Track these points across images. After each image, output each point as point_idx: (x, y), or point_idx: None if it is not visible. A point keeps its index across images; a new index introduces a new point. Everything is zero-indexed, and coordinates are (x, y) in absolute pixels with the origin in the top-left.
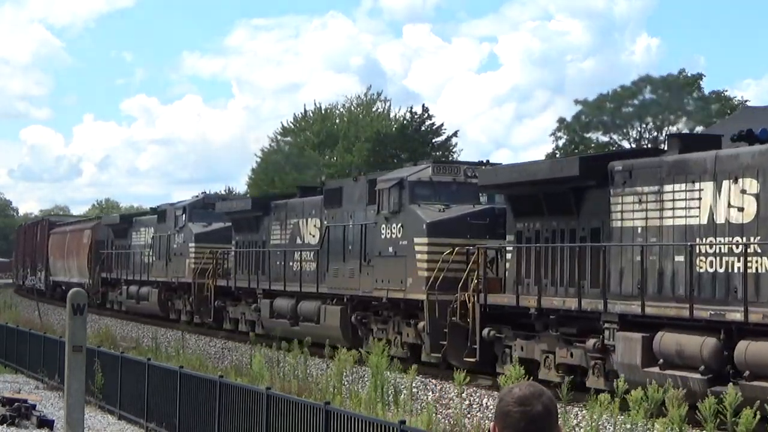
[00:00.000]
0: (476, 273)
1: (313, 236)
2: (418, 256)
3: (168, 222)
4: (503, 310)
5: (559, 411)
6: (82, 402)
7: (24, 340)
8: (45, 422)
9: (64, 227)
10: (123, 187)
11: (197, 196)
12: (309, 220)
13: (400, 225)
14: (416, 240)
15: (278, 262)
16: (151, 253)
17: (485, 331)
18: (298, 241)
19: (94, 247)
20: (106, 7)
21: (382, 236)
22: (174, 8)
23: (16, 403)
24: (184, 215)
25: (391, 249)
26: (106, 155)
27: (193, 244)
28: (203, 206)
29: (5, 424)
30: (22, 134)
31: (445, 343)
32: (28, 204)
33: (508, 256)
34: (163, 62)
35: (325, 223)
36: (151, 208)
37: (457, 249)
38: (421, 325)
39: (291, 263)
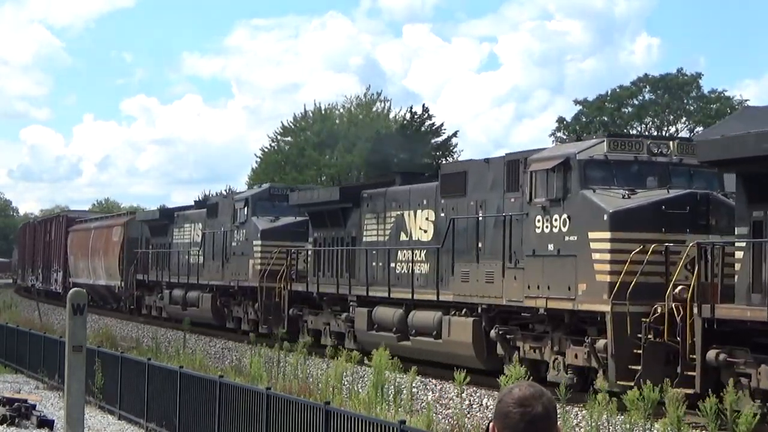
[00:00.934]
0: (693, 276)
1: (425, 231)
2: (597, 255)
3: (221, 216)
4: (735, 326)
5: (558, 412)
6: (82, 402)
7: (24, 340)
8: (45, 422)
9: (86, 224)
10: (123, 187)
11: (259, 186)
12: (418, 211)
13: (565, 216)
14: (593, 235)
15: (377, 263)
16: (200, 253)
17: (711, 354)
18: (403, 237)
19: (126, 245)
20: (106, 7)
21: (537, 231)
22: (174, 8)
23: (16, 403)
24: (246, 209)
25: (551, 246)
26: (106, 155)
27: (258, 242)
28: (269, 198)
29: (5, 424)
30: (21, 134)
31: (638, 368)
32: (28, 204)
33: (738, 254)
34: (163, 62)
35: (442, 215)
36: (195, 201)
37: (653, 247)
38: (600, 344)
39: (394, 264)
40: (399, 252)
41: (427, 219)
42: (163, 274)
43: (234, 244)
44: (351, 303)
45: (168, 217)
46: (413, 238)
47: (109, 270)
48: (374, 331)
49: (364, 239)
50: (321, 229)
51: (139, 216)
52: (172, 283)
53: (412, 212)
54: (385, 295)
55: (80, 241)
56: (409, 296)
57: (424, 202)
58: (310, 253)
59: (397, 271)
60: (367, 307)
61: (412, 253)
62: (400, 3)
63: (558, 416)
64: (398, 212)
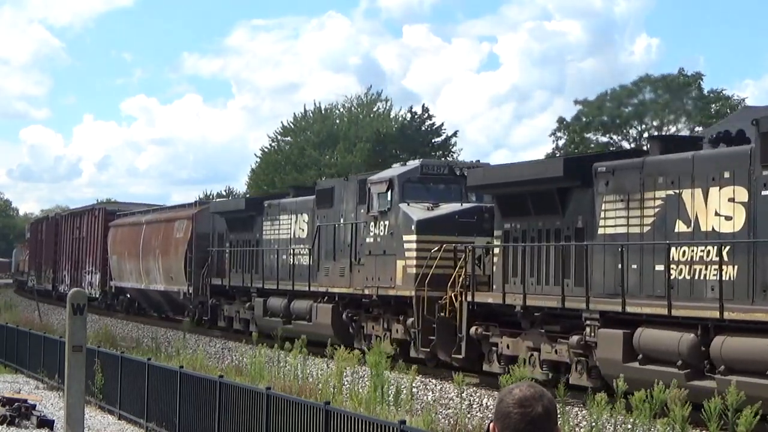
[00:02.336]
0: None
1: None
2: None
3: (340, 204)
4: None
5: (558, 412)
6: (82, 402)
7: (24, 340)
8: (45, 422)
9: (134, 217)
10: (122, 187)
11: (403, 163)
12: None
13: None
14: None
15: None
16: (312, 251)
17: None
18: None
19: (194, 242)
20: (106, 7)
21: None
22: (174, 8)
23: (16, 403)
24: (390, 193)
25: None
26: (106, 155)
27: (412, 237)
28: (421, 178)
29: (5, 424)
30: (21, 134)
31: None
32: (28, 204)
33: (496, 252)
34: (163, 62)
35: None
36: (292, 187)
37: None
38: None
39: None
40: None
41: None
42: (252, 278)
43: (369, 240)
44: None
45: (255, 208)
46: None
47: (169, 272)
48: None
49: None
50: (513, 217)
51: (213, 207)
52: (267, 290)
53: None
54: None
55: (126, 238)
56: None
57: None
58: (496, 251)
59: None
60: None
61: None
62: (399, 3)
63: (558, 416)
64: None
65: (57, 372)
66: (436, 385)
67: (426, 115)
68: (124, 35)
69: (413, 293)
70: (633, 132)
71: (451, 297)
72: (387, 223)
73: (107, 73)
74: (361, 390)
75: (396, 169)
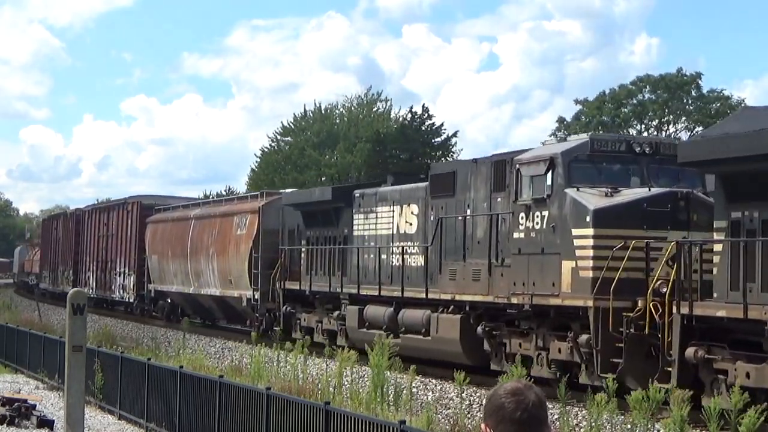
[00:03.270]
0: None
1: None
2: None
3: (467, 192)
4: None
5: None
6: (82, 402)
7: (24, 340)
8: (45, 422)
9: (178, 211)
10: (122, 187)
11: (562, 137)
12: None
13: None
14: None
15: None
16: (432, 249)
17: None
18: None
19: (261, 240)
20: (106, 7)
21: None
22: (174, 8)
23: (16, 403)
24: (551, 175)
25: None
26: (106, 155)
27: (588, 231)
28: (589, 158)
29: (5, 424)
30: (21, 134)
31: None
32: (28, 204)
33: (718, 248)
34: (163, 62)
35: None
36: (393, 174)
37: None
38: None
39: None
40: None
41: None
42: (342, 283)
43: (518, 235)
44: None
45: (342, 198)
46: None
47: (227, 275)
48: None
49: None
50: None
51: (286, 198)
52: (362, 296)
53: None
54: None
55: (169, 235)
56: None
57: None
58: (718, 248)
59: None
60: None
61: None
62: (398, 3)
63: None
64: None
65: (57, 372)
66: (436, 385)
67: (426, 115)
68: (124, 35)
69: (590, 303)
70: (632, 131)
71: (649, 307)
72: (546, 213)
73: (107, 73)
74: (361, 390)
75: (556, 146)
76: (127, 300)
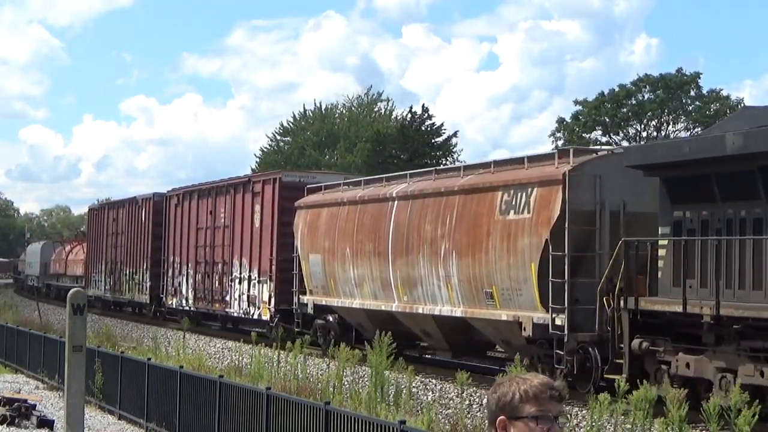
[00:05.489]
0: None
1: None
2: None
3: None
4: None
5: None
6: (82, 402)
7: (24, 340)
8: (45, 422)
9: (362, 189)
10: (121, 187)
11: None
12: None
13: None
14: None
15: None
16: None
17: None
18: None
19: (569, 227)
20: (106, 7)
21: None
22: (174, 8)
23: (16, 403)
24: None
25: None
26: (105, 155)
27: None
28: None
29: (5, 424)
30: (21, 134)
31: None
32: (27, 204)
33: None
34: (163, 62)
35: None
36: None
37: None
38: None
39: None
40: None
41: None
42: None
43: None
44: None
45: None
46: None
47: (481, 285)
48: None
49: None
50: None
51: (636, 157)
52: None
53: None
54: None
55: (343, 224)
56: None
57: None
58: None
59: None
60: None
61: None
62: (396, 3)
63: None
64: None
65: (57, 372)
66: (436, 385)
67: (426, 115)
68: (123, 35)
69: None
70: (632, 131)
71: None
72: None
73: (107, 73)
74: (361, 390)
75: None
76: (256, 317)
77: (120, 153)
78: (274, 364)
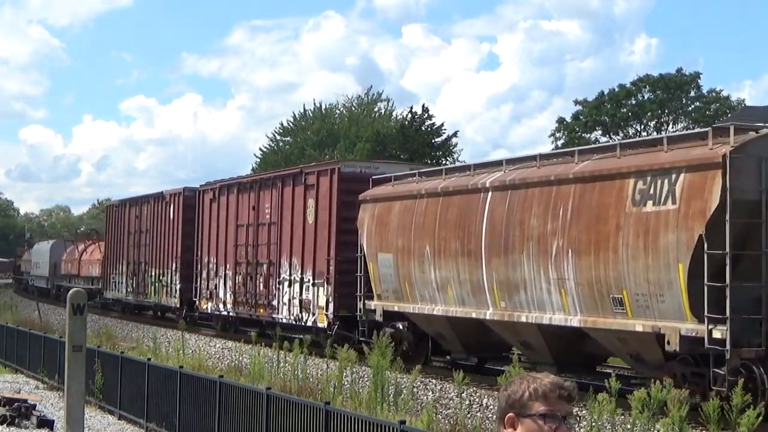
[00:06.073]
0: None
1: None
2: None
3: None
4: None
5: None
6: (82, 402)
7: (24, 340)
8: (45, 422)
9: (445, 179)
10: (121, 187)
11: None
12: None
13: None
14: None
15: None
16: None
17: None
18: None
19: (731, 219)
20: (106, 7)
21: None
22: (174, 8)
23: (16, 403)
24: None
25: None
26: (105, 155)
27: None
28: None
29: (5, 424)
30: (21, 134)
31: None
32: (27, 204)
33: None
34: (163, 62)
35: None
36: None
37: None
38: None
39: None
40: None
41: None
42: None
43: None
44: None
45: None
46: None
47: (608, 289)
48: None
49: None
50: None
51: None
52: None
53: None
54: None
55: (420, 218)
56: None
57: None
58: None
59: None
60: None
61: None
62: (395, 3)
63: None
64: None
65: (57, 372)
66: (436, 385)
67: (426, 115)
68: (123, 35)
69: None
70: (632, 131)
71: None
72: None
73: (106, 73)
74: (361, 390)
75: None
76: (310, 324)
77: (120, 153)
78: (275, 364)
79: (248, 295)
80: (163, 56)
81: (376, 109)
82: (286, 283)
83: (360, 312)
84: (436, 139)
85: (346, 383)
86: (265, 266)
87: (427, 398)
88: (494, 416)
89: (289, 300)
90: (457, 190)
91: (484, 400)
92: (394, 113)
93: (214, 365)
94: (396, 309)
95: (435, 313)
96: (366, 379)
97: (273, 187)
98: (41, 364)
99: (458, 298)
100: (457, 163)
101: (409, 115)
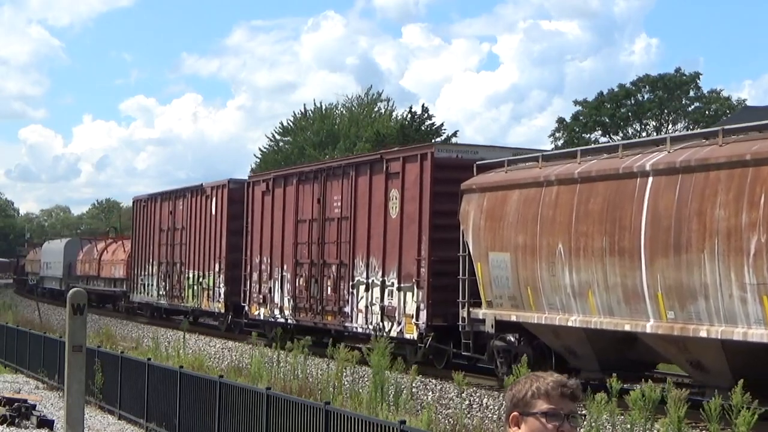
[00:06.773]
0: None
1: None
2: None
3: None
4: None
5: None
6: (82, 402)
7: (24, 340)
8: (45, 422)
9: (580, 163)
10: (120, 187)
11: None
12: None
13: None
14: None
15: None
16: None
17: None
18: None
19: None
20: (106, 7)
21: None
22: (174, 8)
23: (16, 403)
24: None
25: None
26: (104, 155)
27: None
28: None
29: (5, 424)
30: (20, 134)
31: None
32: (27, 204)
33: None
34: (162, 62)
35: None
36: None
37: None
38: None
39: None
40: None
41: None
42: None
43: None
44: None
45: None
46: None
47: None
48: None
49: None
50: None
51: None
52: None
53: None
54: None
55: (548, 211)
56: None
57: None
58: None
59: None
60: None
61: None
62: (394, 3)
63: None
64: None
65: (57, 372)
66: (436, 385)
67: (426, 115)
68: (123, 35)
69: None
70: (631, 131)
71: None
72: None
73: (106, 74)
74: (361, 390)
75: None
76: (395, 335)
77: (119, 153)
78: (274, 364)
79: (312, 301)
80: (162, 56)
81: (376, 109)
82: (362, 287)
83: (463, 322)
84: (436, 139)
85: (346, 383)
86: (334, 267)
87: (427, 398)
88: (494, 416)
89: (366, 307)
90: (603, 175)
91: (484, 400)
92: (394, 113)
93: (214, 365)
94: (513, 319)
95: (570, 324)
96: (366, 379)
97: (344, 177)
98: (41, 364)
99: (603, 307)
100: None
101: (409, 115)
